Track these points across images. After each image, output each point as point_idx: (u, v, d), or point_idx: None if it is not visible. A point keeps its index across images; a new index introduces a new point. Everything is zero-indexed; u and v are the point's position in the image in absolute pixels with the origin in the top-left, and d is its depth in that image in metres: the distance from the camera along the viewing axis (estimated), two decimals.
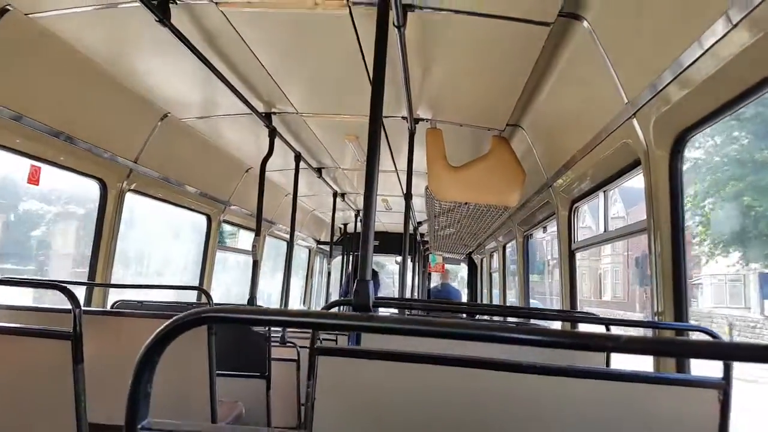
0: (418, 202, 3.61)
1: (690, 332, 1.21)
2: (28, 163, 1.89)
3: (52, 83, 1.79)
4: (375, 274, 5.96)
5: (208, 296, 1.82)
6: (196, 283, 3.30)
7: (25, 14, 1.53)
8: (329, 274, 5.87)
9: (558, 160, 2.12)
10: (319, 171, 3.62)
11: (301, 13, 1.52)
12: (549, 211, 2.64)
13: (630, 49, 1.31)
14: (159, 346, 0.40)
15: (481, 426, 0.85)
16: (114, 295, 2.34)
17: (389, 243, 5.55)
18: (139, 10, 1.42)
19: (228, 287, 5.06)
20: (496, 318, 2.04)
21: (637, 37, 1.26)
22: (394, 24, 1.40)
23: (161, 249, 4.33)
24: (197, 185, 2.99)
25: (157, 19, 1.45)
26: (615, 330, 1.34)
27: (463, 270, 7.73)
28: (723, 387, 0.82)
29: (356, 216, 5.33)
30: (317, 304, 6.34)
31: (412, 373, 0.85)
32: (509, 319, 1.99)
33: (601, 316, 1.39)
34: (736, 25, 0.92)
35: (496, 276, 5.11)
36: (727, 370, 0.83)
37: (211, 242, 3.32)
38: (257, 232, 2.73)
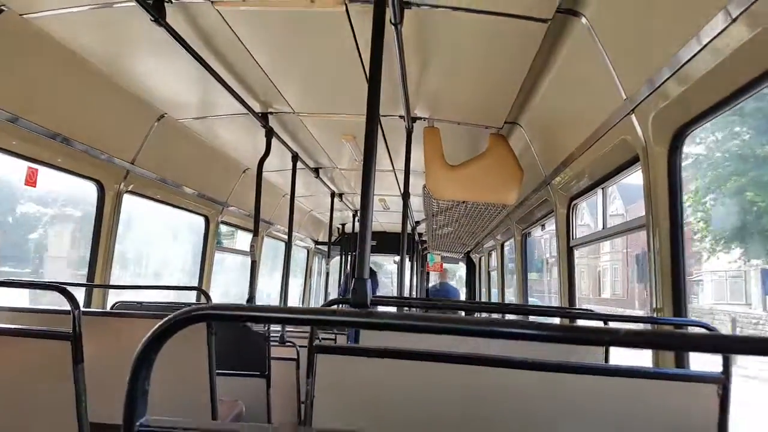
0: (416, 202, 3.61)
1: (688, 327, 1.21)
2: (24, 165, 1.88)
3: (48, 84, 1.78)
4: (373, 273, 5.96)
5: (207, 296, 1.82)
6: (194, 285, 3.30)
7: (20, 15, 1.52)
8: (327, 274, 5.86)
9: (556, 158, 2.12)
10: (316, 171, 3.61)
11: (297, 11, 1.51)
12: (547, 208, 2.64)
13: (628, 45, 1.31)
14: (156, 344, 0.40)
15: (480, 422, 0.84)
16: (114, 297, 2.34)
17: (387, 243, 5.54)
18: (134, 9, 1.41)
19: (227, 288, 5.05)
20: (494, 315, 2.04)
21: (636, 32, 1.26)
22: (390, 21, 1.39)
23: (160, 250, 4.31)
24: (195, 186, 2.98)
25: (153, 19, 1.44)
26: (613, 325, 1.34)
27: (461, 269, 7.74)
28: (722, 382, 0.82)
29: (354, 216, 5.32)
30: (316, 305, 6.34)
31: (410, 370, 0.85)
32: (508, 316, 1.99)
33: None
34: (735, 20, 0.92)
35: (494, 275, 5.12)
36: (727, 365, 0.83)
37: (210, 243, 3.31)
38: (255, 232, 2.73)
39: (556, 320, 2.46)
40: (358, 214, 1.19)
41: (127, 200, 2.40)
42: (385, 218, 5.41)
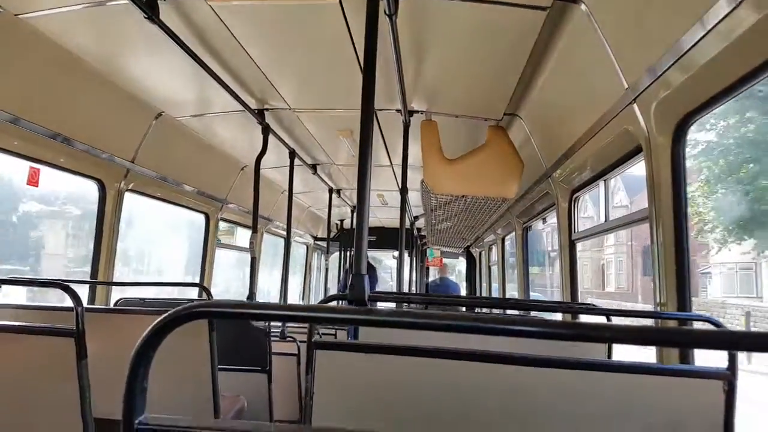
0: (415, 197, 3.59)
1: (693, 322, 1.19)
2: (26, 164, 1.90)
3: (46, 84, 1.79)
4: (372, 269, 5.97)
5: (208, 293, 1.82)
6: (194, 280, 3.31)
7: (15, 15, 1.51)
8: (327, 269, 5.88)
9: (557, 150, 2.09)
10: (313, 167, 3.60)
11: (290, 5, 1.48)
12: (548, 201, 2.61)
13: (629, 32, 1.27)
14: (154, 341, 0.39)
15: (481, 418, 0.84)
16: (117, 293, 2.35)
17: (386, 238, 5.55)
18: (127, 7, 1.40)
19: (227, 284, 5.08)
20: (495, 311, 2.03)
21: (637, 19, 1.22)
22: (385, 12, 1.36)
23: (161, 247, 4.33)
24: (194, 184, 2.98)
25: (146, 16, 1.43)
26: (616, 321, 1.32)
27: (461, 264, 7.73)
28: (728, 377, 0.81)
29: (352, 212, 5.31)
30: (316, 300, 6.37)
31: (410, 366, 0.85)
32: (509, 311, 1.98)
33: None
34: (739, 4, 0.88)
35: (495, 269, 5.11)
36: (732, 361, 0.81)
37: (210, 240, 3.33)
38: (254, 229, 2.73)
39: (558, 316, 2.45)
40: (356, 210, 1.17)
41: (128, 198, 2.40)
42: (384, 213, 5.40)
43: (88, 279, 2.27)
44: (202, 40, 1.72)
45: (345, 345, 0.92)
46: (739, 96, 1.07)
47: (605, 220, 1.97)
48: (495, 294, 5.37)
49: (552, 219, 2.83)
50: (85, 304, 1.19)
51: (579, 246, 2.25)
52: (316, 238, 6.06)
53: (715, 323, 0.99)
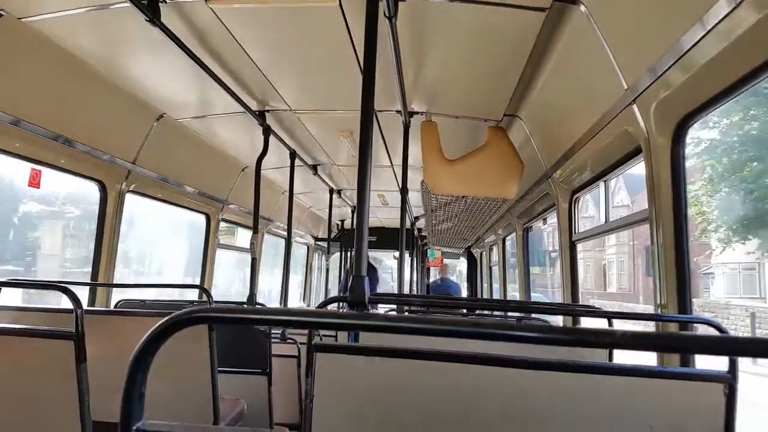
0: (416, 197, 3.59)
1: (694, 325, 1.19)
2: (27, 166, 1.91)
3: (49, 87, 1.80)
4: (373, 269, 5.97)
5: (209, 294, 1.82)
6: (197, 281, 3.32)
7: (19, 18, 1.53)
8: (327, 270, 5.88)
9: (557, 150, 2.09)
10: (314, 168, 3.61)
11: (290, 7, 1.49)
12: (549, 202, 2.61)
13: (629, 33, 1.27)
14: (152, 346, 0.39)
15: (481, 422, 0.84)
16: (118, 295, 2.36)
17: (387, 238, 5.55)
18: (129, 10, 1.41)
19: (228, 283, 5.08)
20: (496, 313, 2.02)
21: (636, 19, 1.22)
22: (385, 15, 1.37)
23: (160, 248, 4.34)
24: (195, 185, 2.99)
25: (148, 19, 1.44)
26: (618, 323, 1.32)
27: (461, 264, 7.72)
28: (729, 381, 0.80)
29: (353, 212, 5.32)
30: (316, 300, 6.37)
31: (410, 369, 0.84)
32: (510, 314, 1.98)
33: (604, 309, 1.37)
34: (740, 4, 0.88)
35: (496, 269, 5.10)
36: (733, 364, 0.81)
37: (211, 241, 3.33)
38: (254, 230, 2.73)
39: (560, 318, 2.44)
40: (356, 211, 1.18)
41: (128, 199, 2.41)
42: (385, 214, 5.40)
43: (88, 280, 2.28)
44: (203, 42, 1.73)
45: (345, 348, 0.92)
46: (742, 93, 1.07)
47: (605, 221, 1.97)
48: (496, 294, 5.37)
49: (552, 219, 2.83)
50: (85, 305, 1.19)
51: (580, 246, 2.25)
52: (316, 239, 6.06)
53: (717, 327, 0.98)
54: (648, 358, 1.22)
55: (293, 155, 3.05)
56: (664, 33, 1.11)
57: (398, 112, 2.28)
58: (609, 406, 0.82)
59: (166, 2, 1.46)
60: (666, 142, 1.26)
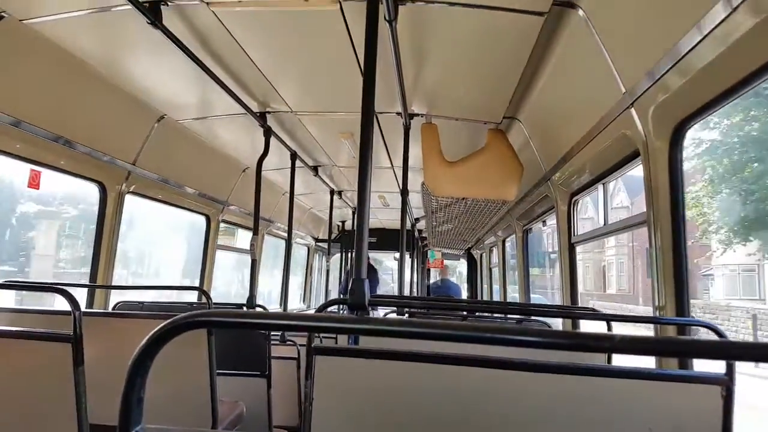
0: (416, 198, 3.60)
1: (692, 327, 1.20)
2: (26, 167, 1.91)
3: (49, 88, 1.80)
4: (373, 271, 5.97)
5: (208, 297, 1.82)
6: (196, 282, 3.32)
7: (20, 20, 1.53)
8: (328, 271, 5.88)
9: (556, 153, 2.10)
10: (315, 169, 3.61)
11: (291, 10, 1.50)
12: (548, 204, 2.62)
13: (626, 37, 1.28)
14: (151, 350, 0.39)
15: (480, 424, 0.84)
16: (116, 296, 2.36)
17: (387, 239, 5.55)
18: (131, 12, 1.42)
19: (227, 283, 5.07)
20: (496, 315, 2.03)
21: (634, 23, 1.23)
22: (385, 18, 1.38)
23: (160, 249, 4.33)
24: (196, 186, 3.00)
25: (149, 22, 1.45)
26: (617, 325, 1.33)
27: (461, 265, 7.72)
28: (726, 383, 0.81)
29: (353, 213, 5.32)
30: (317, 301, 6.36)
31: (410, 371, 0.85)
32: (510, 316, 1.98)
33: (605, 311, 1.38)
34: (736, 8, 0.89)
35: (496, 271, 5.10)
36: (730, 367, 0.81)
37: (211, 242, 3.33)
38: (255, 231, 2.74)
39: (559, 321, 2.44)
40: (356, 212, 1.18)
41: (127, 200, 2.41)
42: (385, 215, 5.41)
43: (82, 281, 2.28)
44: (205, 44, 1.74)
45: (345, 350, 0.92)
46: (739, 97, 1.07)
47: (604, 224, 1.98)
48: (496, 295, 5.36)
49: (552, 221, 2.83)
50: (83, 306, 1.18)
51: (579, 247, 2.25)
52: (317, 240, 6.06)
53: (715, 330, 0.99)
54: (646, 360, 1.23)
55: (294, 156, 3.06)
56: (661, 37, 1.12)
57: (399, 114, 2.29)
58: (608, 408, 0.82)
59: (167, 5, 1.47)
60: (664, 146, 1.27)
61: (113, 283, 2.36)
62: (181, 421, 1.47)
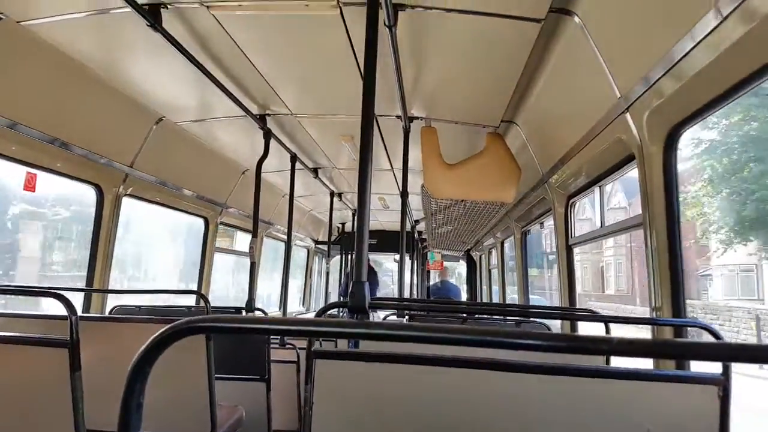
0: (416, 200, 3.61)
1: (689, 328, 1.21)
2: (23, 169, 1.89)
3: (46, 90, 1.79)
4: (373, 273, 5.96)
5: (206, 301, 1.81)
6: (194, 284, 3.30)
7: (18, 22, 1.53)
8: (328, 273, 5.86)
9: (553, 156, 2.12)
10: (315, 171, 3.62)
11: (291, 14, 1.51)
12: (546, 206, 2.64)
13: (621, 43, 1.30)
14: (150, 356, 0.39)
15: (479, 426, 0.85)
16: (113, 300, 2.34)
17: (387, 241, 5.55)
18: (130, 15, 1.42)
19: (226, 283, 5.05)
20: (496, 317, 2.04)
21: (628, 30, 1.25)
22: (385, 24, 1.39)
23: (157, 251, 4.31)
24: (194, 188, 2.99)
25: (149, 24, 1.45)
26: (615, 327, 1.34)
27: (461, 267, 7.73)
28: (722, 383, 0.82)
29: (353, 215, 5.32)
30: (316, 305, 6.35)
31: (410, 374, 0.85)
32: (509, 318, 1.99)
33: (603, 312, 1.39)
34: (726, 17, 0.91)
35: (495, 272, 5.11)
36: (727, 367, 0.82)
37: (209, 245, 3.31)
38: (254, 233, 2.73)
39: (558, 322, 2.45)
40: (356, 214, 1.19)
41: (126, 203, 2.41)
42: (385, 217, 5.41)
43: (73, 284, 2.26)
44: (205, 47, 1.74)
45: (345, 354, 0.92)
46: (733, 101, 1.09)
47: (601, 226, 1.99)
48: (495, 296, 5.37)
49: (550, 222, 2.85)
50: (79, 311, 1.17)
51: (577, 248, 2.27)
52: (316, 242, 6.05)
53: (711, 331, 1.00)
54: (644, 360, 1.24)
55: (294, 158, 3.06)
56: (655, 44, 1.14)
57: (398, 117, 2.30)
58: (606, 409, 0.83)
59: (167, 8, 1.48)
60: (658, 150, 1.29)
61: (110, 287, 2.35)
62: (179, 426, 1.46)
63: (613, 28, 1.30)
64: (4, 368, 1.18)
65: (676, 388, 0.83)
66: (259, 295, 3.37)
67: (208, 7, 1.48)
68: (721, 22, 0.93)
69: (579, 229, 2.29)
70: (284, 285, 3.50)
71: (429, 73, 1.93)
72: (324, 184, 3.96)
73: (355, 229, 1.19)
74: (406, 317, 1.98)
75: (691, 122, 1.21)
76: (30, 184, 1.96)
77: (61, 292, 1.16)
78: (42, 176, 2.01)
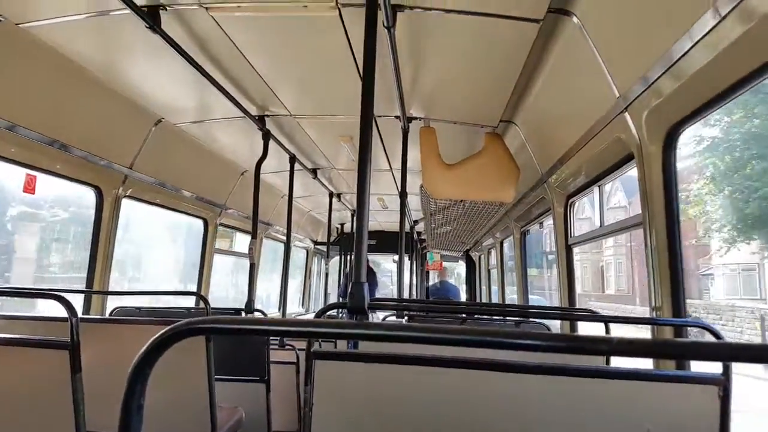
0: (415, 201, 3.61)
1: (689, 328, 1.21)
2: (22, 171, 1.89)
3: (45, 92, 1.80)
4: (372, 273, 5.96)
5: (206, 302, 1.81)
6: (193, 285, 3.30)
7: (17, 24, 1.53)
8: (327, 274, 5.86)
9: (552, 156, 2.12)
10: (314, 172, 3.62)
11: (290, 15, 1.51)
12: (545, 206, 2.64)
13: (620, 43, 1.30)
14: (151, 358, 0.40)
15: (479, 427, 0.85)
16: (113, 302, 2.34)
17: (386, 241, 5.56)
18: (129, 17, 1.43)
19: (225, 283, 5.04)
20: (495, 317, 2.04)
21: (627, 30, 1.25)
22: (383, 24, 1.40)
23: (156, 252, 4.31)
24: (193, 189, 2.99)
25: (148, 26, 1.46)
26: (615, 327, 1.34)
27: (460, 267, 7.73)
28: (723, 383, 0.82)
29: (353, 216, 5.32)
30: (316, 305, 6.35)
31: (410, 374, 0.85)
32: (509, 318, 1.99)
33: (603, 312, 1.39)
34: (724, 17, 0.91)
35: (494, 272, 5.11)
36: (727, 367, 0.82)
37: (209, 246, 3.31)
38: (253, 234, 2.73)
39: (557, 323, 2.45)
40: (356, 215, 1.19)
41: (125, 204, 2.41)
42: (384, 217, 5.42)
43: (72, 286, 2.26)
44: (204, 48, 1.75)
45: (344, 355, 0.92)
46: (732, 100, 1.10)
47: (600, 225, 2.00)
48: (494, 296, 5.37)
49: (549, 222, 2.85)
50: (80, 312, 1.17)
51: (577, 248, 2.27)
52: (316, 243, 6.05)
53: (712, 330, 1.00)
54: (644, 360, 1.23)
55: (293, 159, 3.06)
56: (653, 44, 1.14)
57: (397, 117, 2.30)
58: (606, 409, 0.83)
59: (166, 9, 1.48)
60: (657, 149, 1.29)
61: (110, 289, 2.35)
62: (179, 428, 1.46)
63: (612, 28, 1.30)
64: (5, 370, 1.18)
65: (676, 388, 0.83)
66: (258, 296, 3.37)
67: (206, 8, 1.48)
68: (720, 22, 0.93)
69: (578, 228, 2.29)
70: (283, 286, 3.50)
71: (428, 73, 1.93)
72: (323, 184, 3.97)
73: (354, 230, 1.19)
74: (405, 318, 1.98)
75: (690, 121, 1.21)
76: (29, 186, 1.96)
77: (62, 294, 1.17)
78: (40, 178, 2.02)
